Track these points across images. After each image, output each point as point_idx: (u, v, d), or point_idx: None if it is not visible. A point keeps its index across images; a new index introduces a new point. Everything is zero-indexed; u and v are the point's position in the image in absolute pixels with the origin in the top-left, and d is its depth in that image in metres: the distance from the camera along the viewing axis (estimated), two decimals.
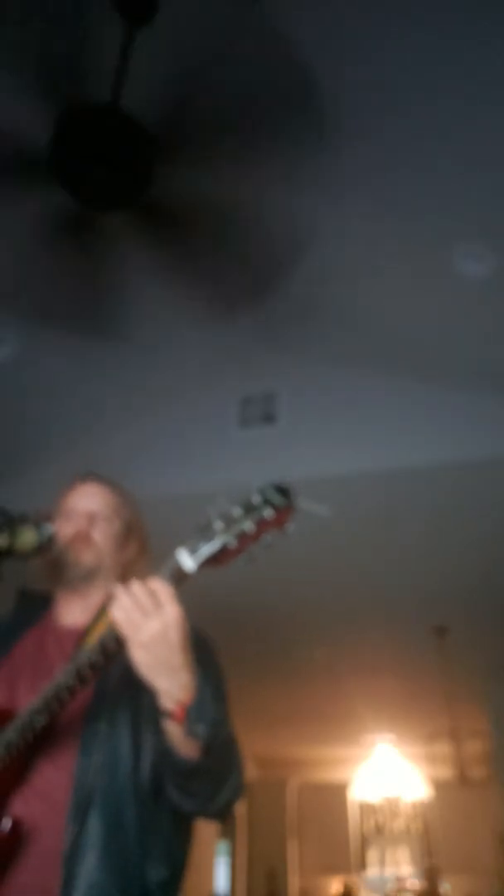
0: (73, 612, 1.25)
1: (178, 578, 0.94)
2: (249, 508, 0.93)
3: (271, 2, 1.97)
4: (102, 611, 1.21)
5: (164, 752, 0.98)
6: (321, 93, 2.15)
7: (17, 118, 2.04)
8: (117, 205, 2.11)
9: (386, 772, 8.00)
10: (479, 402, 3.16)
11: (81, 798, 0.99)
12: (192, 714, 0.92)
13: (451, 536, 3.59)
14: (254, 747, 7.55)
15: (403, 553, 3.75)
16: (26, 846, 0.97)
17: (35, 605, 1.31)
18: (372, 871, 8.00)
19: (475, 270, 2.59)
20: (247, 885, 7.85)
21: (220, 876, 7.54)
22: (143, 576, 1.30)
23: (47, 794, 1.00)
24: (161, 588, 0.93)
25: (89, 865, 0.95)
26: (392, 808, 8.23)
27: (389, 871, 7.93)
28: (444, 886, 7.24)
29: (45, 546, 1.12)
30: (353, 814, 8.36)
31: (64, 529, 1.25)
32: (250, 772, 8.00)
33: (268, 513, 0.92)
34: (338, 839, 8.19)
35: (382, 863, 8.07)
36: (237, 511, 0.93)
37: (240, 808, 7.77)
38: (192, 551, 0.93)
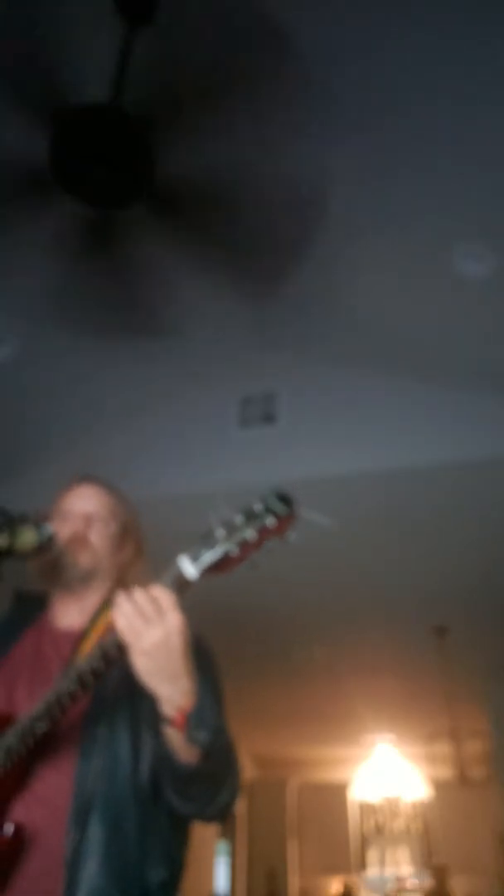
0: (69, 614, 1.25)
1: (180, 586, 0.95)
2: (251, 516, 0.93)
3: (271, 1, 1.97)
4: (99, 613, 1.21)
5: (164, 757, 0.98)
6: (322, 93, 2.15)
7: (16, 116, 2.04)
8: (118, 204, 2.11)
9: (386, 772, 8.00)
10: (479, 402, 3.16)
11: (82, 803, 0.99)
12: (193, 720, 0.92)
13: (451, 536, 3.58)
14: (254, 747, 7.56)
15: (403, 553, 3.75)
16: (28, 852, 0.97)
17: (31, 607, 1.31)
18: (372, 871, 8.00)
19: (475, 270, 2.59)
20: (247, 885, 7.85)
21: (220, 876, 7.54)
22: (139, 577, 1.31)
23: (48, 799, 1.00)
24: (163, 595, 0.93)
25: (91, 869, 0.95)
26: (392, 808, 8.24)
27: (389, 871, 7.93)
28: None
29: (45, 546, 1.12)
30: (353, 814, 8.36)
31: (60, 531, 1.25)
32: (250, 772, 8.00)
33: (270, 521, 0.93)
34: (338, 839, 8.19)
35: (382, 863, 8.07)
36: (239, 518, 0.93)
37: (240, 808, 7.78)
38: (194, 559, 0.93)
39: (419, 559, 3.79)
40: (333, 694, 5.78)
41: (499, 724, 5.31)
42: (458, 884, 7.26)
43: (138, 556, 1.33)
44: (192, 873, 1.12)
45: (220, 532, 0.93)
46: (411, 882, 7.59)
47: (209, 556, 0.93)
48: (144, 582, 1.27)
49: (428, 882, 7.31)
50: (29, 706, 1.03)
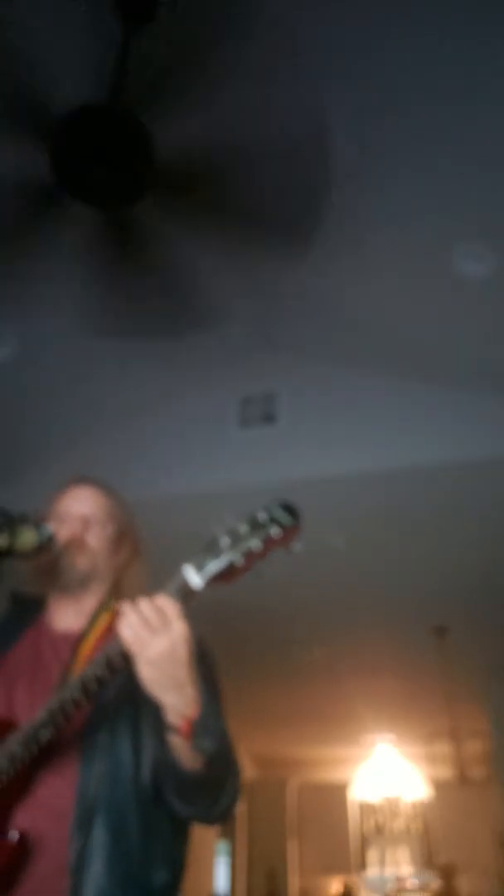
0: (67, 616, 1.25)
1: (185, 595, 0.94)
2: (256, 526, 0.93)
3: (271, 1, 1.97)
4: (97, 616, 1.21)
5: (167, 764, 0.98)
6: (322, 92, 2.15)
7: (17, 116, 2.04)
8: (118, 204, 2.11)
9: (386, 772, 8.00)
10: (479, 402, 3.16)
11: (85, 808, 0.99)
12: (199, 729, 0.92)
13: (451, 536, 3.58)
14: (254, 747, 7.55)
15: (403, 553, 3.75)
16: (33, 858, 0.97)
17: (27, 608, 1.30)
18: (372, 871, 8.00)
19: (475, 270, 2.59)
20: (247, 885, 7.85)
21: (220, 876, 7.54)
22: (137, 578, 1.30)
23: (51, 805, 1.00)
24: (168, 605, 0.93)
25: (95, 873, 0.95)
26: (392, 808, 8.23)
27: (389, 871, 7.93)
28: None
29: (45, 546, 1.12)
30: (353, 814, 8.36)
31: (57, 534, 1.24)
32: (250, 772, 8.00)
33: (275, 531, 0.92)
34: (338, 839, 8.19)
35: (382, 863, 8.07)
36: (243, 528, 0.93)
37: (240, 808, 7.77)
38: (199, 568, 0.93)
39: (419, 559, 3.79)
40: (333, 694, 5.78)
41: (499, 724, 5.31)
42: (458, 884, 7.27)
43: (135, 558, 1.33)
44: (192, 873, 1.12)
45: (225, 541, 0.93)
46: (411, 882, 7.58)
47: (214, 566, 0.93)
48: (143, 583, 1.28)
49: (434, 882, 7.28)
50: (29, 710, 1.02)
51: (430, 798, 8.07)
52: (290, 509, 0.94)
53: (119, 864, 0.97)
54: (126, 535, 1.33)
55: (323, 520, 2.94)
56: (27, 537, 1.09)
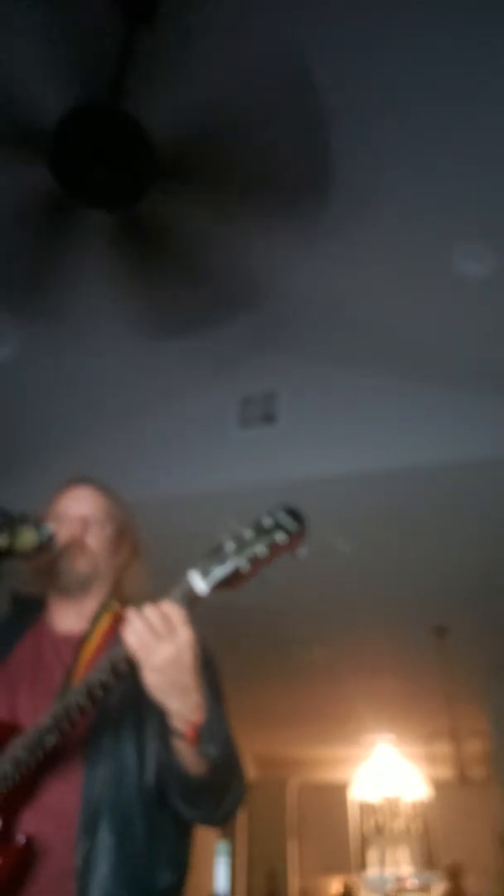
0: (68, 618, 1.24)
1: (191, 601, 0.94)
2: (261, 531, 0.92)
3: (271, 2, 1.97)
4: (98, 617, 1.21)
5: (172, 768, 0.98)
6: (322, 92, 2.15)
7: (17, 115, 2.04)
8: (116, 205, 2.10)
9: (386, 772, 8.00)
10: (479, 402, 3.16)
11: (91, 812, 0.99)
12: (205, 734, 0.92)
13: (451, 536, 3.58)
14: (254, 747, 7.55)
15: (403, 553, 3.75)
16: (39, 863, 0.97)
17: (28, 609, 1.29)
18: (372, 871, 7.99)
19: (475, 270, 2.59)
20: (247, 885, 7.85)
21: (220, 876, 7.54)
22: (137, 579, 1.30)
23: (57, 810, 1.00)
24: (173, 611, 0.93)
25: (101, 876, 0.95)
26: (392, 808, 8.23)
27: (389, 871, 7.92)
28: (443, 886, 7.23)
29: (45, 546, 1.12)
30: (353, 814, 8.36)
31: (57, 535, 1.23)
32: (250, 772, 8.00)
33: (281, 537, 0.92)
34: (338, 839, 8.19)
35: (382, 863, 8.06)
36: (249, 533, 0.92)
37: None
38: (205, 574, 0.92)
39: (419, 559, 3.79)
40: (333, 694, 5.78)
41: (499, 724, 5.31)
42: (465, 884, 7.25)
43: (135, 558, 1.32)
44: (192, 873, 1.12)
45: (230, 546, 0.92)
46: (411, 882, 7.58)
47: (220, 572, 0.92)
48: (143, 583, 1.27)
49: (441, 883, 7.26)
50: (32, 713, 1.02)
51: (430, 798, 8.06)
52: (295, 514, 0.94)
53: (125, 866, 0.97)
54: (125, 535, 1.32)
55: (323, 520, 2.94)
56: (27, 537, 1.08)
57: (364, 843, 8.21)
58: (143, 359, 3.31)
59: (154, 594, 0.97)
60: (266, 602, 4.06)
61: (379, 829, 8.26)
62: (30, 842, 0.96)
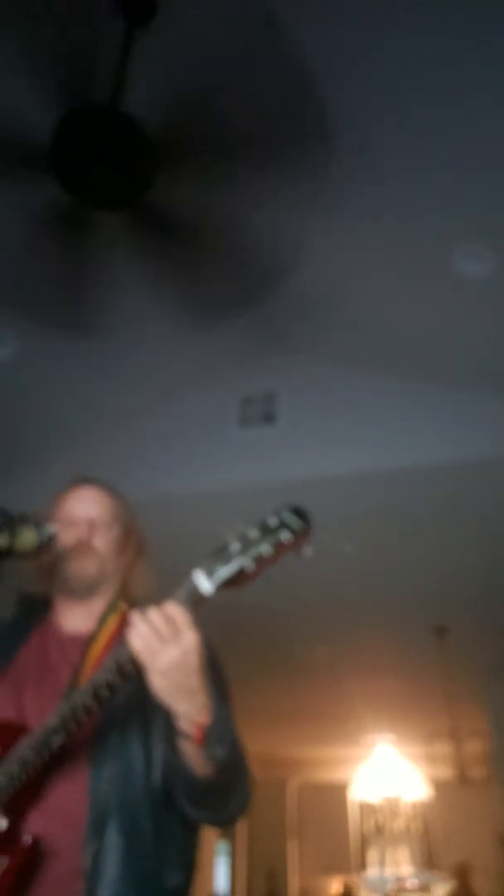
0: (75, 618, 1.24)
1: (196, 601, 0.93)
2: (266, 531, 0.92)
3: (271, 2, 1.97)
4: (105, 617, 1.20)
5: (178, 770, 0.98)
6: (322, 92, 2.15)
7: (17, 115, 2.04)
8: (117, 205, 2.11)
9: (386, 772, 8.00)
10: (479, 402, 3.16)
11: (98, 813, 0.99)
12: (212, 736, 0.92)
13: (451, 536, 3.58)
14: (254, 747, 7.49)
15: (403, 553, 3.75)
16: (47, 864, 0.96)
17: (35, 610, 1.29)
18: (372, 871, 7.99)
19: (475, 270, 2.59)
20: (247, 885, 7.85)
21: (220, 876, 7.54)
22: (142, 579, 1.30)
23: (64, 811, 1.00)
24: (178, 613, 0.92)
25: (110, 877, 0.95)
26: (392, 808, 8.23)
27: (389, 871, 7.92)
28: (443, 887, 7.23)
29: (45, 546, 1.12)
30: (353, 814, 8.36)
31: (64, 538, 1.23)
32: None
33: (286, 536, 0.92)
34: (338, 839, 8.19)
35: (382, 863, 8.06)
36: (254, 533, 0.92)
37: None
38: (210, 573, 0.92)
39: (419, 559, 3.79)
40: (333, 694, 5.78)
41: (499, 724, 5.31)
42: (473, 883, 7.24)
43: (140, 556, 1.32)
44: None
45: (235, 546, 0.92)
46: (411, 882, 7.58)
47: (224, 571, 0.92)
48: (149, 582, 1.27)
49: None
50: (38, 713, 1.02)
51: (430, 798, 8.06)
52: (300, 514, 0.94)
53: (133, 867, 0.97)
54: (131, 535, 1.32)
55: (323, 520, 2.94)
56: (27, 537, 1.08)
57: (364, 843, 8.21)
58: (143, 359, 3.31)
59: (156, 594, 0.97)
60: (266, 602, 4.06)
61: (379, 829, 8.26)
62: (37, 842, 0.96)
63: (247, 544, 0.92)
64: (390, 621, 4.51)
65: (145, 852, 0.99)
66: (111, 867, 0.96)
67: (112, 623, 1.19)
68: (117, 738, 1.05)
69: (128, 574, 1.30)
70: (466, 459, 3.12)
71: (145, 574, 1.31)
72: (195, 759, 0.94)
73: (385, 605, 4.28)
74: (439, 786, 7.84)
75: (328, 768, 8.41)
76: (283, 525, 0.92)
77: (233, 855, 7.84)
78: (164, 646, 0.90)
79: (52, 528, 1.13)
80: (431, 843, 7.91)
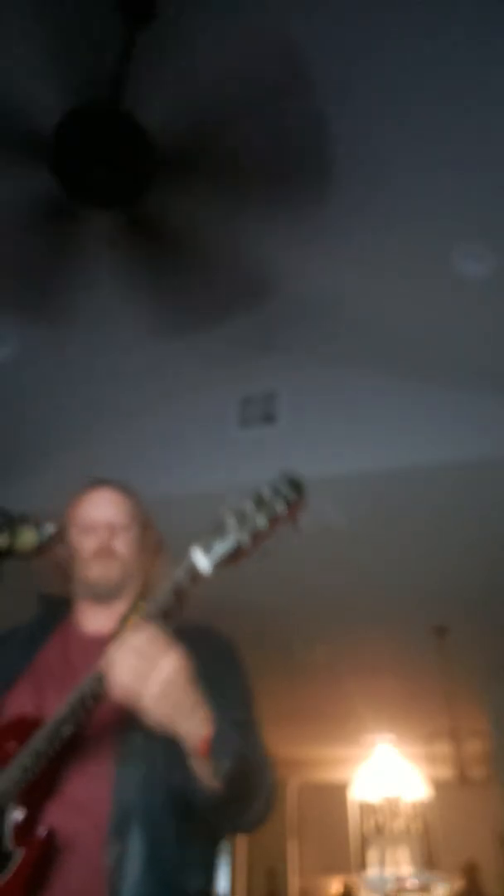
0: (97, 619, 1.23)
1: (194, 579, 0.93)
2: (261, 503, 0.93)
3: (271, 2, 1.97)
4: (128, 617, 1.19)
5: (196, 790, 0.96)
6: (321, 92, 2.15)
7: (17, 115, 2.04)
8: (116, 205, 2.11)
9: (386, 772, 8.00)
10: (479, 402, 3.16)
11: (121, 814, 0.98)
12: (216, 748, 0.90)
13: (451, 536, 3.58)
14: None
15: (403, 553, 3.75)
16: (67, 859, 0.96)
17: (56, 610, 1.29)
18: (372, 871, 7.99)
19: (475, 270, 2.59)
20: (247, 885, 7.85)
21: (221, 876, 7.54)
22: (162, 576, 1.29)
23: (87, 807, 1.00)
24: (154, 637, 0.91)
25: (134, 879, 0.95)
26: (392, 808, 8.23)
27: (389, 871, 7.92)
28: (443, 887, 7.23)
29: (45, 546, 1.12)
30: (353, 814, 8.36)
31: (85, 544, 1.23)
32: None
33: (280, 508, 0.92)
34: (338, 839, 8.19)
35: (382, 863, 8.06)
36: (249, 507, 0.93)
37: None
38: (207, 550, 0.92)
39: (419, 559, 3.79)
40: (333, 694, 5.78)
41: (499, 724, 5.31)
42: (482, 883, 7.23)
43: (159, 554, 1.31)
44: None
45: (231, 522, 0.92)
46: (411, 882, 7.58)
47: (222, 548, 0.92)
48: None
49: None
50: None
51: (430, 798, 8.06)
52: (294, 483, 0.94)
53: (157, 869, 0.96)
54: (149, 533, 1.31)
55: (323, 520, 2.95)
56: (27, 537, 1.08)
57: (364, 843, 8.21)
58: (143, 359, 3.31)
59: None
60: (266, 602, 4.06)
61: (379, 829, 8.26)
62: (52, 834, 0.96)
63: (242, 518, 0.92)
64: (390, 621, 4.51)
65: (168, 854, 0.99)
66: (134, 869, 0.95)
67: (135, 622, 1.19)
68: (142, 740, 1.04)
69: (148, 572, 1.29)
70: (466, 459, 3.12)
71: (165, 571, 1.30)
72: (206, 773, 0.93)
73: (385, 605, 4.28)
74: (439, 786, 7.84)
75: (328, 768, 8.41)
76: (276, 495, 0.93)
77: (233, 855, 7.84)
78: (154, 666, 0.88)
79: (51, 527, 1.13)
80: (431, 843, 7.91)
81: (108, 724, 1.03)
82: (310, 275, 2.88)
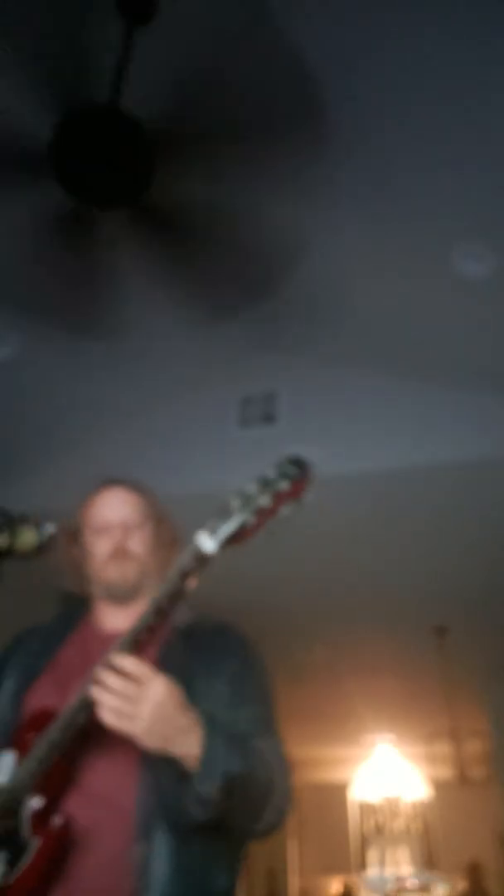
0: (116, 617, 1.23)
1: (200, 561, 0.94)
2: (265, 483, 0.94)
3: (272, 2, 1.97)
4: (145, 618, 1.20)
5: (190, 797, 0.95)
6: (323, 92, 2.15)
7: (17, 115, 2.04)
8: (116, 204, 2.10)
9: (386, 772, 8.00)
10: (479, 402, 3.17)
11: (147, 811, 0.98)
12: (203, 772, 0.90)
13: (451, 536, 3.58)
14: None
15: (403, 553, 3.75)
16: (87, 849, 0.96)
17: (76, 608, 1.29)
18: (372, 871, 8.00)
19: (475, 270, 2.59)
20: (247, 885, 7.85)
21: None
22: None
23: (107, 797, 1.00)
24: (133, 665, 0.91)
25: (161, 880, 0.95)
26: (392, 808, 8.24)
27: (389, 871, 7.93)
28: (443, 886, 7.22)
29: (45, 546, 1.12)
30: (353, 814, 8.36)
31: (99, 546, 1.23)
32: None
33: (284, 485, 0.93)
34: (338, 839, 8.19)
35: (382, 863, 8.07)
36: (253, 488, 0.94)
37: None
38: (212, 532, 0.93)
39: (419, 559, 3.79)
40: (333, 694, 5.78)
41: (499, 724, 5.31)
42: (458, 884, 7.25)
43: (175, 548, 1.28)
44: None
45: (236, 503, 0.93)
46: (411, 882, 7.58)
47: (226, 528, 0.92)
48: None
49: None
50: None
51: (430, 798, 8.07)
52: (298, 462, 0.96)
53: (183, 869, 0.96)
54: (164, 528, 1.30)
55: (323, 519, 2.95)
56: (27, 537, 1.08)
57: (364, 843, 8.21)
58: (144, 359, 3.31)
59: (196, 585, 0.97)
60: (266, 602, 4.06)
61: (379, 829, 8.26)
62: (68, 825, 0.96)
63: (246, 499, 0.93)
64: (390, 621, 4.51)
65: (194, 855, 0.99)
66: (162, 866, 0.95)
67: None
68: None
69: (167, 567, 1.29)
70: (466, 459, 3.12)
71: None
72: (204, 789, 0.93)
73: (385, 605, 4.28)
74: (439, 786, 7.84)
75: (328, 768, 8.41)
76: (281, 476, 0.94)
77: None
78: (137, 706, 0.89)
79: (51, 527, 1.13)
80: (431, 843, 7.91)
81: None
82: (310, 275, 2.88)
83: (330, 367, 3.42)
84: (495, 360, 3.03)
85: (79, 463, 3.37)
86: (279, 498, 0.93)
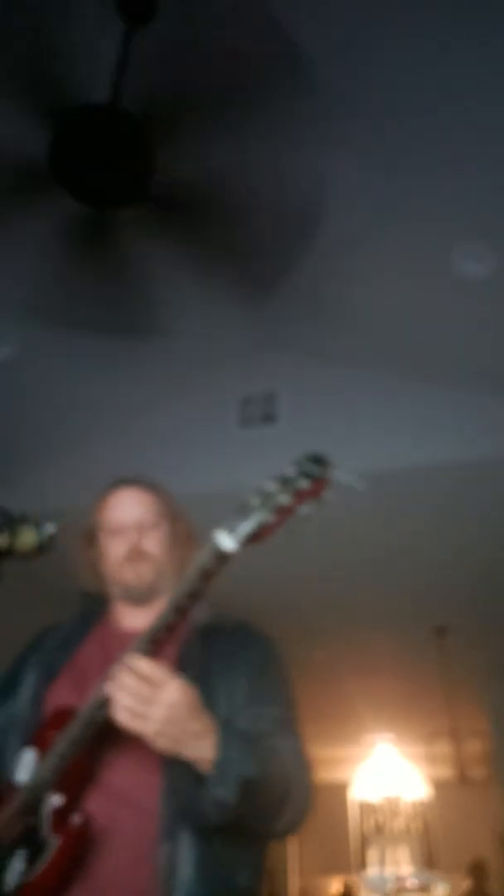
0: (135, 616, 1.23)
1: (219, 560, 0.93)
2: (285, 481, 0.93)
3: (271, 2, 1.97)
4: (165, 615, 1.20)
5: (206, 799, 0.95)
6: (323, 92, 2.15)
7: (17, 127, 2.03)
8: (117, 204, 2.10)
9: (386, 772, 8.00)
10: (479, 402, 3.17)
11: (171, 810, 0.98)
12: (216, 777, 0.90)
13: (451, 536, 3.58)
14: None
15: (403, 553, 3.75)
16: (109, 846, 0.97)
17: (94, 606, 1.29)
18: (372, 871, 7.99)
19: (475, 270, 2.59)
20: None
21: None
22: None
23: (130, 795, 1.00)
24: (149, 668, 0.91)
25: (185, 879, 0.95)
26: (392, 807, 8.23)
27: (389, 871, 7.92)
28: (444, 886, 7.22)
29: (45, 546, 1.12)
30: (353, 814, 8.36)
31: (115, 547, 1.22)
32: None
33: (304, 483, 0.92)
34: (338, 839, 8.18)
35: (382, 862, 8.06)
36: (272, 486, 0.93)
37: None
38: (231, 530, 0.92)
39: (419, 559, 3.79)
40: (333, 694, 5.77)
41: (499, 724, 5.31)
42: (457, 883, 7.24)
43: (191, 545, 1.28)
44: None
45: (255, 501, 0.92)
46: (411, 882, 7.57)
47: (246, 527, 0.91)
48: None
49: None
50: None
51: (430, 798, 8.06)
52: (318, 459, 0.95)
53: (208, 868, 0.96)
54: (179, 526, 1.29)
55: (322, 519, 2.94)
56: (27, 537, 1.08)
57: (364, 842, 8.21)
58: (144, 359, 3.31)
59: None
60: (265, 602, 4.05)
61: (379, 829, 8.26)
62: (87, 823, 0.96)
63: (266, 498, 0.92)
64: (390, 621, 4.51)
65: (219, 853, 0.98)
66: (186, 869, 0.95)
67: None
68: None
69: (184, 565, 1.29)
70: (466, 459, 3.12)
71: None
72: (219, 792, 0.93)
73: (385, 605, 4.28)
74: (439, 786, 7.84)
75: (328, 768, 8.40)
76: (301, 474, 0.93)
77: None
78: (150, 707, 0.88)
79: (51, 527, 1.13)
80: (431, 842, 7.91)
81: None
82: (310, 275, 2.88)
83: (330, 366, 3.42)
84: (495, 360, 3.03)
85: (79, 463, 3.37)
86: (299, 496, 0.92)
